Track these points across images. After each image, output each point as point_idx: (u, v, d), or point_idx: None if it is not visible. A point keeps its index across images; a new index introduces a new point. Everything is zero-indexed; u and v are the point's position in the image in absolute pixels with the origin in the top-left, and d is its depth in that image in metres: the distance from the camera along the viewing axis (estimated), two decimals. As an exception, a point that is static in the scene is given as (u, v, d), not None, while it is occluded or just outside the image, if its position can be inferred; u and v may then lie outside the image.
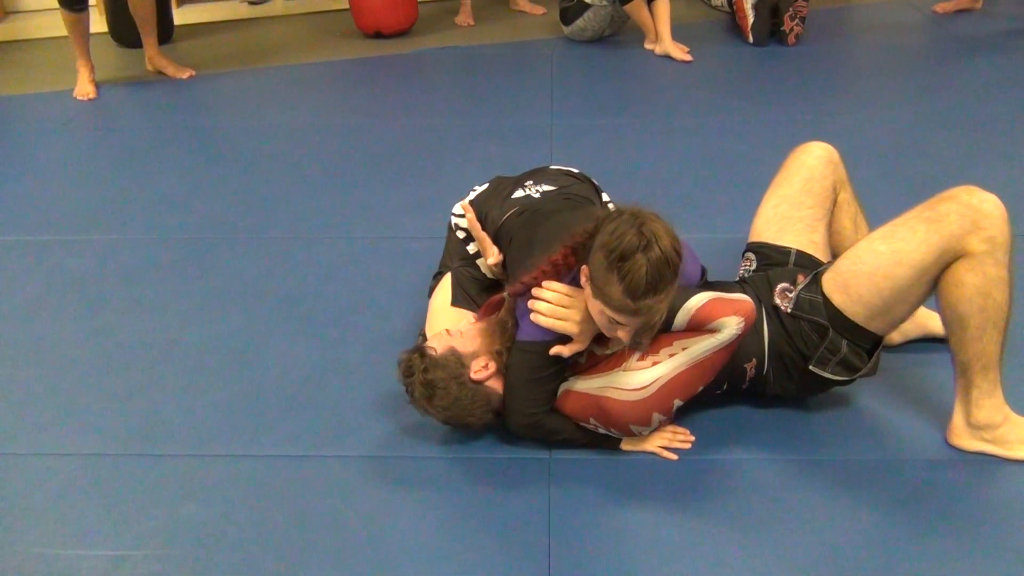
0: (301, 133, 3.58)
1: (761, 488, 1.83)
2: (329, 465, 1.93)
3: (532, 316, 1.77)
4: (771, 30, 4.27)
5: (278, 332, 2.35)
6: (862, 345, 1.87)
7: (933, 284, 1.80)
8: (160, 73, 4.15)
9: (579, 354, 1.84)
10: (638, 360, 1.79)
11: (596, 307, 1.69)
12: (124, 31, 4.39)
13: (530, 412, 1.85)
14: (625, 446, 1.92)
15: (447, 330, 1.92)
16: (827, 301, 1.86)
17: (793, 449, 1.92)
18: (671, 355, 1.78)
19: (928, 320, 2.14)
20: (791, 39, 4.25)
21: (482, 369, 1.86)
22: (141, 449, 1.98)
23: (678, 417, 1.94)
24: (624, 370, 1.80)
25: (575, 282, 1.76)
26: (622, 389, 1.79)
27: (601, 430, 1.88)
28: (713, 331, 1.76)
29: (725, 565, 1.66)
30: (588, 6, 4.25)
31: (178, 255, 2.73)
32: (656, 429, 1.90)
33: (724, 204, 2.89)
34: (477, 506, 1.81)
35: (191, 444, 1.99)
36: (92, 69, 3.96)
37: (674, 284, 1.65)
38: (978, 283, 1.74)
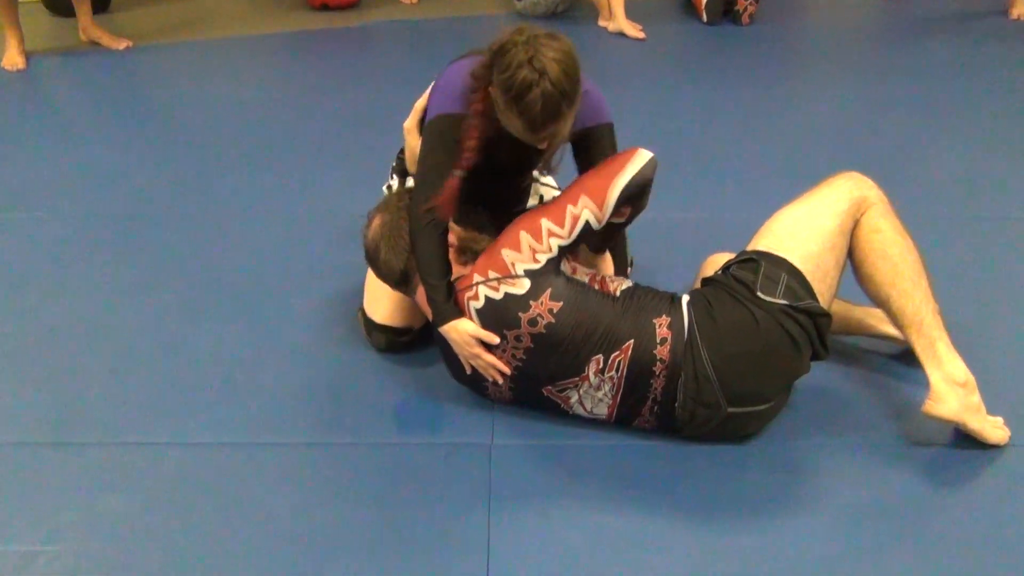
0: (243, 107, 3.45)
1: (697, 474, 1.79)
2: (260, 453, 1.84)
3: None
4: (725, 9, 4.23)
5: (211, 314, 2.25)
6: (802, 284, 1.78)
7: (849, 237, 1.84)
8: (95, 43, 3.98)
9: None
10: None
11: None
12: (57, -1, 4.21)
13: (424, 207, 1.80)
14: (444, 326, 1.80)
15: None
16: (755, 251, 1.84)
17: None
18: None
19: (865, 316, 2.07)
20: (745, 18, 4.22)
21: None
22: (60, 437, 1.88)
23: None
24: None
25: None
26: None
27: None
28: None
29: (666, 551, 1.62)
30: (541, -19, 4.17)
31: (108, 233, 2.60)
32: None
33: (676, 183, 2.82)
34: (414, 493, 1.74)
35: (114, 432, 1.89)
36: (21, 38, 3.78)
37: (573, 107, 1.71)
38: (893, 226, 1.84)
